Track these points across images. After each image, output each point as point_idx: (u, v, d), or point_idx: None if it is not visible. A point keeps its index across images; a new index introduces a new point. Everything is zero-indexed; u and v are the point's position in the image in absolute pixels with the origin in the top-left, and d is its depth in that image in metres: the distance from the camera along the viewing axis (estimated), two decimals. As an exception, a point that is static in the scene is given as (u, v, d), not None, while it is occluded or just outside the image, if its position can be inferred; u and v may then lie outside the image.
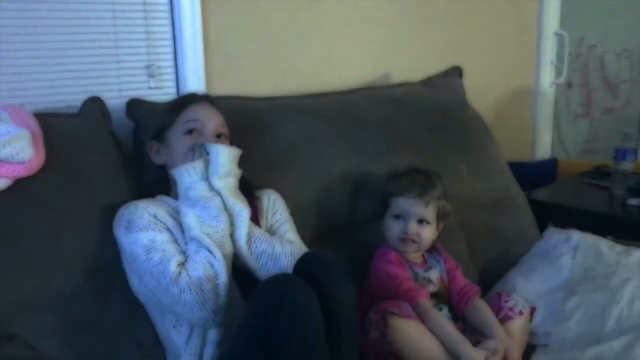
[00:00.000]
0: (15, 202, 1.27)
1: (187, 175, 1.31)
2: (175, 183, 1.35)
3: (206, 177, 1.31)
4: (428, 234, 1.51)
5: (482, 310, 1.47)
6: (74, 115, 1.49)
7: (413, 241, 1.49)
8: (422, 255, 1.57)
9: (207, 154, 1.33)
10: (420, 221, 1.50)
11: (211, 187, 1.31)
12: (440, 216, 1.53)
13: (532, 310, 1.52)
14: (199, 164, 1.32)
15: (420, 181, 1.51)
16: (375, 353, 1.34)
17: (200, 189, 1.29)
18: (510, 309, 1.47)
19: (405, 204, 1.49)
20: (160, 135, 1.42)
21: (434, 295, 1.49)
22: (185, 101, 1.44)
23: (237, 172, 1.36)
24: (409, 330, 1.32)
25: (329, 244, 1.60)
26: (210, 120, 1.40)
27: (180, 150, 1.36)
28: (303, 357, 1.07)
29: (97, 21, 1.58)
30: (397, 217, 1.51)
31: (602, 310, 1.49)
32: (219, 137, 1.40)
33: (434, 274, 1.53)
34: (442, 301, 1.50)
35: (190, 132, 1.38)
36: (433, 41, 2.25)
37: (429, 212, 1.50)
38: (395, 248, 1.51)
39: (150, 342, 1.33)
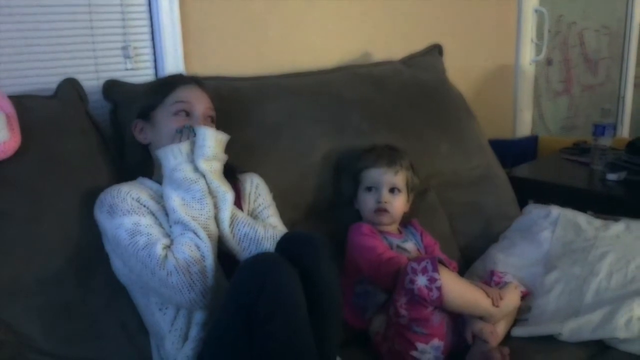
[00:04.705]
0: (-9, 185, 1.25)
1: (173, 157, 1.29)
2: (159, 164, 1.34)
3: (192, 160, 1.30)
4: (400, 202, 1.56)
5: None
6: (49, 97, 1.46)
7: (386, 211, 1.53)
8: (398, 229, 1.60)
9: (194, 136, 1.32)
10: (392, 190, 1.54)
11: (196, 169, 1.30)
12: (410, 186, 1.58)
13: (525, 295, 1.52)
14: (185, 146, 1.30)
15: (388, 152, 1.58)
16: (419, 302, 1.32)
17: (185, 171, 1.28)
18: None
19: (375, 173, 1.55)
20: (146, 114, 1.40)
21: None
22: (174, 82, 1.42)
23: (223, 157, 1.35)
24: (456, 278, 1.36)
25: (312, 224, 1.60)
26: (200, 102, 1.39)
27: (168, 131, 1.35)
28: (285, 334, 1.07)
29: (71, 0, 1.54)
30: (369, 188, 1.55)
31: (581, 283, 1.51)
32: (206, 119, 1.39)
33: (410, 245, 1.56)
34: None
35: (179, 113, 1.37)
36: (413, 19, 2.23)
37: (400, 180, 1.55)
38: (370, 221, 1.54)
39: (135, 324, 1.33)
